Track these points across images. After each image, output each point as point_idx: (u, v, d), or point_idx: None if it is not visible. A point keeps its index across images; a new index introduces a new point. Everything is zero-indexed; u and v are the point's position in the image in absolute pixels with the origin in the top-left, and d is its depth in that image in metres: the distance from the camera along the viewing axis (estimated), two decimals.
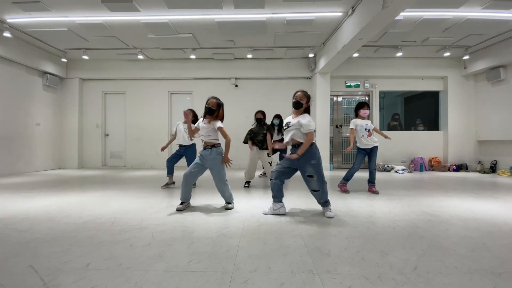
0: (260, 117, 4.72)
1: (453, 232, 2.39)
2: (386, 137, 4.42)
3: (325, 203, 2.91)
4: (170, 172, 4.68)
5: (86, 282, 1.53)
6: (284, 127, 2.94)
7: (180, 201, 3.18)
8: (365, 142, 4.06)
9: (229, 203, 3.22)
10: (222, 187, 3.16)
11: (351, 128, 4.16)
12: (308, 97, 2.91)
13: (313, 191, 2.87)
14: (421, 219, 2.77)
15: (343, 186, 4.17)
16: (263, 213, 2.94)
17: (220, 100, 3.19)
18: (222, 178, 3.14)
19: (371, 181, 4.15)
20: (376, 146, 4.09)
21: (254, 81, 8.03)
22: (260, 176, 5.79)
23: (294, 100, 2.90)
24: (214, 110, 3.11)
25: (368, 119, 4.31)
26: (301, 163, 2.84)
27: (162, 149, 4.65)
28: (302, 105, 2.86)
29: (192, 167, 3.13)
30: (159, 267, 1.70)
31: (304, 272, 1.64)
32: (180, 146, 4.65)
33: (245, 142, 4.77)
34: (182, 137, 4.60)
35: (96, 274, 1.62)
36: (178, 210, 3.07)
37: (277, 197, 2.96)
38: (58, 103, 7.88)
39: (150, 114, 8.04)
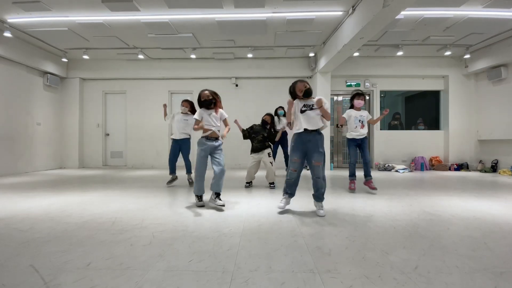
0: (267, 119, 4.62)
1: (454, 231, 2.38)
2: (382, 115, 4.23)
3: (321, 195, 2.92)
4: (173, 171, 4.69)
5: (87, 281, 1.53)
6: (304, 108, 2.88)
7: (198, 196, 3.27)
8: (355, 133, 4.08)
9: (219, 196, 3.20)
10: (222, 175, 3.20)
11: (343, 117, 4.17)
12: (307, 82, 2.95)
13: (317, 178, 2.87)
14: (422, 218, 2.76)
15: (352, 182, 4.11)
16: (280, 208, 2.99)
17: (211, 90, 3.30)
18: (222, 169, 3.22)
19: (367, 174, 4.07)
20: (366, 138, 4.14)
21: (254, 80, 8.02)
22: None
23: (305, 88, 2.86)
24: (211, 100, 3.20)
25: (365, 109, 4.25)
26: (311, 147, 2.86)
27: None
28: (311, 91, 2.90)
29: (201, 161, 3.18)
30: (159, 267, 1.70)
31: (305, 272, 1.63)
32: (175, 140, 4.58)
33: (244, 136, 4.62)
34: (178, 131, 4.55)
35: (97, 273, 1.62)
36: (199, 206, 3.20)
37: (292, 192, 3.06)
38: (59, 102, 7.89)
39: (151, 113, 8.03)
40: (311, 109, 2.87)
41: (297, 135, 2.92)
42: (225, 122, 3.38)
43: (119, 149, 8.26)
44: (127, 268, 1.68)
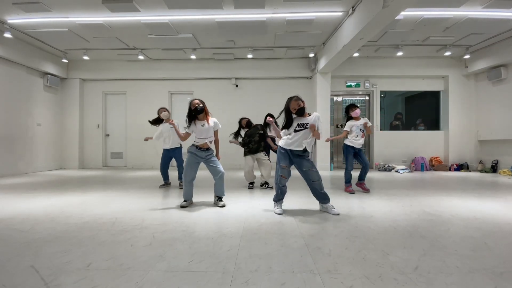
0: (244, 123, 4.63)
1: (454, 231, 2.38)
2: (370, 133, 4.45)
3: (325, 196, 2.99)
4: (167, 178, 4.76)
5: (87, 282, 1.53)
6: (299, 128, 2.93)
7: (184, 200, 3.33)
8: (356, 142, 4.11)
9: (220, 198, 3.33)
10: (222, 180, 3.28)
11: (345, 130, 4.20)
12: (301, 100, 2.95)
13: (314, 181, 2.95)
14: (422, 218, 2.76)
15: (349, 187, 4.17)
16: (280, 213, 2.96)
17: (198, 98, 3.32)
18: (222, 173, 3.30)
19: (362, 178, 4.17)
20: (362, 146, 4.25)
21: (254, 81, 8.02)
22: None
23: (298, 107, 2.88)
24: (203, 107, 3.22)
25: (364, 117, 4.33)
26: (298, 160, 2.98)
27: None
28: (305, 109, 2.95)
29: (190, 167, 3.25)
30: (160, 267, 1.70)
31: (305, 272, 1.64)
32: (167, 150, 4.60)
33: (240, 143, 4.64)
34: (170, 140, 4.55)
35: (97, 274, 1.62)
36: (182, 207, 3.23)
37: (282, 199, 3.11)
38: (59, 103, 7.89)
39: (151, 114, 7.94)
40: (305, 127, 2.91)
41: (284, 148, 2.99)
42: (215, 134, 3.35)
43: (119, 150, 8.26)
44: (128, 269, 1.68)
